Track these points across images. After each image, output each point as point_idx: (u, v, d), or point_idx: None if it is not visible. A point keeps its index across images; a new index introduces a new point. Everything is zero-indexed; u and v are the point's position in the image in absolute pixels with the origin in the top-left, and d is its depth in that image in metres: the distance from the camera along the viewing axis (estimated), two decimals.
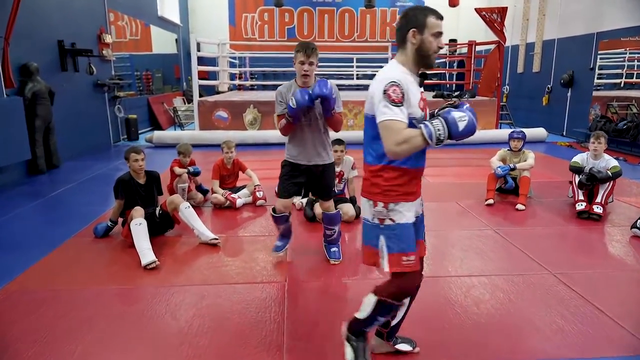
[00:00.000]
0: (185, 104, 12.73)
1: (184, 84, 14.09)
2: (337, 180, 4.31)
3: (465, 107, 1.76)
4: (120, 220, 3.79)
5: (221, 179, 4.70)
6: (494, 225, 4.11)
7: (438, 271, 3.18)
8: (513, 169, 4.75)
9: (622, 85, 10.16)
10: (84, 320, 2.51)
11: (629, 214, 4.43)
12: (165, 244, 3.66)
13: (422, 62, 1.84)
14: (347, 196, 4.40)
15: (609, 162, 4.44)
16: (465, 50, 12.27)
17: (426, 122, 1.70)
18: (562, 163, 6.83)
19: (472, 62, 9.73)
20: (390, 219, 1.84)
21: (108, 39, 8.51)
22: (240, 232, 4.06)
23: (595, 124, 8.44)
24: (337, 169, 4.27)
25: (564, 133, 9.93)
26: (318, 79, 2.86)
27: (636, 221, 3.88)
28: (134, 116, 9.34)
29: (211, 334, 2.39)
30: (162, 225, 3.82)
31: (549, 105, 10.51)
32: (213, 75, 11.27)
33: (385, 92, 1.71)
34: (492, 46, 9.31)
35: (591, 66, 9.05)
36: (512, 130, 5.29)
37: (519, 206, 4.59)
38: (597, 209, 4.28)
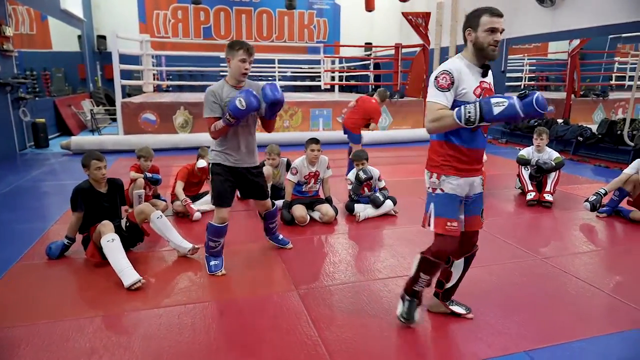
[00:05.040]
0: (94, 106, 11.53)
1: (91, 85, 12.79)
2: (313, 181, 4.19)
3: (534, 95, 1.87)
4: (80, 237, 3.28)
5: (186, 185, 4.30)
6: None
7: None
8: None
9: (522, 88, 11.40)
10: (81, 354, 2.10)
11: (573, 199, 4.93)
12: (137, 260, 3.19)
13: (481, 54, 2.06)
14: (323, 196, 4.29)
15: (551, 154, 4.89)
16: (381, 53, 12.83)
17: (461, 106, 1.93)
18: (495, 159, 7.40)
19: (399, 63, 10.14)
20: (440, 189, 2.14)
21: (8, 31, 7.39)
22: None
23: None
24: (313, 169, 4.16)
25: None
26: (266, 83, 2.83)
27: (588, 197, 4.34)
28: (43, 120, 8.23)
29: (242, 352, 2.14)
30: (131, 239, 3.37)
31: None
32: (126, 75, 10.33)
33: (436, 78, 2.01)
34: (418, 49, 9.80)
35: (502, 69, 9.94)
36: None
37: None
38: (548, 197, 4.68)
